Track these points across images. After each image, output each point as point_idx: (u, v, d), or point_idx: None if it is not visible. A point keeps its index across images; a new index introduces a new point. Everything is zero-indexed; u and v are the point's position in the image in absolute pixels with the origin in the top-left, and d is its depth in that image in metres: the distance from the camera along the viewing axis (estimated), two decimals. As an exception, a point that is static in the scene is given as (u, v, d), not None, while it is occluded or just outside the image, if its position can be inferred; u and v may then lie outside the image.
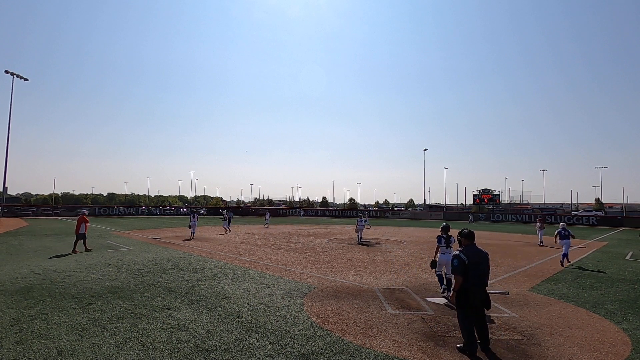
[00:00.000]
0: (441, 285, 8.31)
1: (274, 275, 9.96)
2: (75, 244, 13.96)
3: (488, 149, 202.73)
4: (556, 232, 13.44)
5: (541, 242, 19.21)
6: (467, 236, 5.22)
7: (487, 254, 5.19)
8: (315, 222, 40.77)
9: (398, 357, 4.71)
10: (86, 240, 14.25)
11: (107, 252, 13.69)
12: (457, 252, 5.07)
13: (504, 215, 52.57)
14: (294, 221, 34.80)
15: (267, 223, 32.95)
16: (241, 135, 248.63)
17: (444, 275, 8.25)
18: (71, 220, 34.64)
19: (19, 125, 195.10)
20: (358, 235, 20.03)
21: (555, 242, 13.37)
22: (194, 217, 20.47)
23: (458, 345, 5.04)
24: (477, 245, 5.23)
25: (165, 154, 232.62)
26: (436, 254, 8.44)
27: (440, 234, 8.47)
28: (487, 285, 5.07)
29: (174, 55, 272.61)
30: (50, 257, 12.29)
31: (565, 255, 12.76)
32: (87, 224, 14.07)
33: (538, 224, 19.66)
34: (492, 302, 7.42)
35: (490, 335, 5.52)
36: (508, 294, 8.27)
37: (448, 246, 8.25)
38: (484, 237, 23.95)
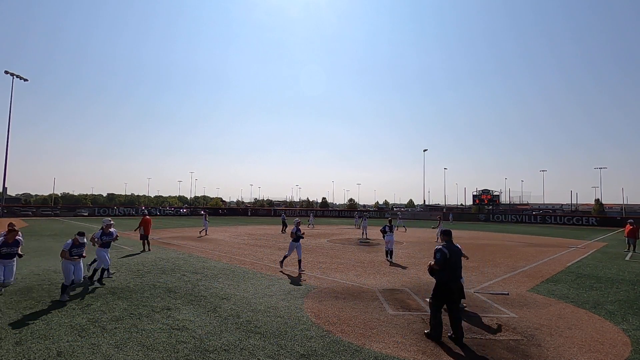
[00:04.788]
0: (387, 258, 12.68)
1: (274, 275, 9.96)
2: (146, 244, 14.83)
3: (488, 149, 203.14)
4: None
5: (437, 240, 20.44)
6: (447, 234, 5.92)
7: (460, 248, 5.84)
8: (316, 223, 40.65)
9: (398, 357, 4.71)
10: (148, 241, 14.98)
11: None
12: (440, 247, 5.62)
13: (503, 216, 52.60)
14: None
15: (312, 224, 32.09)
16: (241, 135, 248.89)
17: (387, 249, 13.03)
18: (71, 221, 34.62)
19: (19, 126, 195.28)
20: (363, 232, 22.65)
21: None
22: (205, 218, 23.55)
23: (425, 331, 5.49)
24: (452, 242, 5.80)
25: (165, 154, 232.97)
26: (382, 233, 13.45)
27: (386, 224, 13.30)
28: (461, 277, 5.77)
29: (174, 56, 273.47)
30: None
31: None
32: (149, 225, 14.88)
33: (438, 222, 21.69)
34: (492, 302, 7.47)
35: (490, 336, 5.54)
36: (508, 294, 8.28)
37: (390, 231, 13.17)
38: (483, 238, 23.98)
